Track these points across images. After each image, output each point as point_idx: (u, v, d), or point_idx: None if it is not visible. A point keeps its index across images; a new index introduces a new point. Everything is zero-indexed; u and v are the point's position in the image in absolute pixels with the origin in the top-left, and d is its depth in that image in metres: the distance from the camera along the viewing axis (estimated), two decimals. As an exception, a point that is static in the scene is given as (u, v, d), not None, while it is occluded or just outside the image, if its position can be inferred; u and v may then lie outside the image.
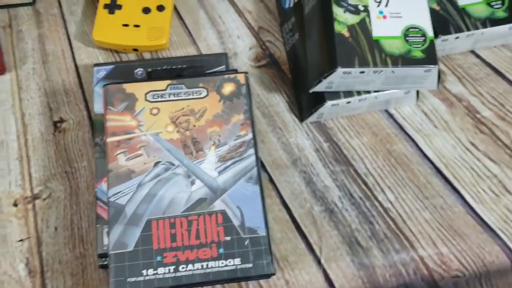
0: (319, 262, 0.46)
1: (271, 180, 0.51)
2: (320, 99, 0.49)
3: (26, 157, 0.52)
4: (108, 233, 0.44)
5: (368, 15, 0.46)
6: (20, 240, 0.47)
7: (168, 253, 0.43)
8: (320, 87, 0.47)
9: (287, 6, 0.58)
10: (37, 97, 0.55)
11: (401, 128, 0.54)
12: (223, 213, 0.45)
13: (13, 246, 0.47)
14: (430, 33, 0.46)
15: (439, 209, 0.49)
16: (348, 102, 0.50)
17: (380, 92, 0.50)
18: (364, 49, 0.45)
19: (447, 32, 0.53)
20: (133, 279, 0.42)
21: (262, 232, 0.44)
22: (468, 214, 0.49)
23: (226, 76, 0.50)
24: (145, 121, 0.48)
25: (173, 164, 0.47)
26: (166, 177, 0.46)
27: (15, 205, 0.49)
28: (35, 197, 0.49)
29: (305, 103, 0.52)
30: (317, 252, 0.47)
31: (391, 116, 0.55)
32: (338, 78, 0.46)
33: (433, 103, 0.56)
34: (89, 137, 0.53)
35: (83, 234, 0.48)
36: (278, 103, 0.55)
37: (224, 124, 0.48)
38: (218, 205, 0.45)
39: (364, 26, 0.46)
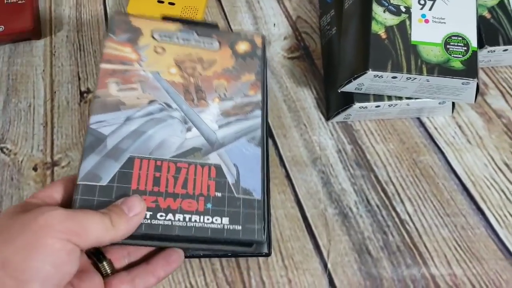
0: (325, 265, 0.45)
1: (287, 176, 0.50)
2: (349, 100, 0.47)
3: (51, 124, 0.52)
4: (80, 162, 0.38)
5: (409, 18, 0.44)
6: (36, 204, 0.48)
7: (148, 196, 0.37)
8: (350, 88, 0.46)
9: (329, -3, 0.56)
10: (68, 65, 0.56)
11: (432, 138, 0.51)
12: (218, 167, 0.40)
13: (29, 209, 0.48)
14: (474, 43, 0.43)
15: (460, 229, 0.47)
16: (378, 106, 0.48)
17: (412, 100, 0.47)
18: (399, 53, 0.43)
19: (495, 43, 0.49)
20: None
21: (257, 196, 0.39)
22: (490, 237, 0.47)
23: (242, 34, 0.47)
24: (147, 58, 0.43)
25: (170, 106, 0.42)
26: (159, 118, 0.41)
27: (35, 169, 0.50)
28: (54, 163, 0.50)
29: (333, 102, 0.50)
30: (325, 255, 0.46)
31: (422, 124, 0.52)
32: (368, 81, 0.44)
33: (469, 116, 0.53)
34: (113, 111, 0.53)
35: (96, 206, 0.49)
36: (306, 98, 0.54)
37: (233, 80, 0.44)
38: (213, 158, 0.40)
39: (403, 28, 0.43)
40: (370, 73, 0.42)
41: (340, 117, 0.50)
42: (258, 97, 0.44)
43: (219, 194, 0.39)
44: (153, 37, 0.45)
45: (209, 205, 0.38)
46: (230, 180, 0.40)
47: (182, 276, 0.45)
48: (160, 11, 0.55)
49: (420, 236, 0.47)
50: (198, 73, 0.44)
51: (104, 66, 0.42)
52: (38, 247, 0.31)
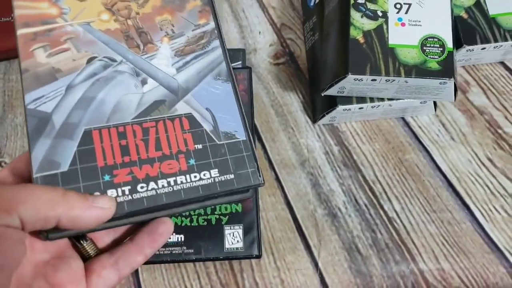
0: (316, 265, 0.47)
1: (277, 178, 0.51)
2: (333, 103, 0.49)
3: (46, 137, 0.54)
4: (29, 151, 0.32)
5: (386, 22, 0.45)
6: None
7: (120, 170, 0.33)
8: (332, 91, 0.47)
9: (311, 4, 0.57)
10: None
11: (416, 137, 0.53)
12: (189, 116, 0.35)
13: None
14: (449, 44, 0.44)
15: (446, 224, 0.48)
16: (361, 108, 0.49)
17: (394, 101, 0.48)
18: (377, 57, 0.44)
19: (473, 42, 0.51)
20: None
21: (241, 136, 0.35)
22: (476, 231, 0.48)
23: None
24: (70, 8, 0.37)
25: (114, 60, 0.36)
26: (106, 76, 0.35)
27: (32, 182, 0.52)
28: (51, 176, 0.52)
29: (319, 105, 0.52)
30: (316, 255, 0.47)
31: (407, 124, 0.53)
32: (349, 84, 0.45)
33: (452, 114, 0.54)
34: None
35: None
36: (293, 102, 0.55)
37: (177, 12, 0.39)
38: (181, 107, 0.35)
39: (380, 32, 0.45)
40: (350, 77, 0.44)
41: (325, 120, 0.52)
42: (212, 24, 0.39)
43: (199, 146, 0.34)
44: None
45: (192, 161, 0.34)
46: (207, 127, 0.35)
47: (178, 281, 0.46)
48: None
49: (408, 233, 0.48)
50: (134, 13, 0.38)
51: (21, 31, 0.36)
52: None
